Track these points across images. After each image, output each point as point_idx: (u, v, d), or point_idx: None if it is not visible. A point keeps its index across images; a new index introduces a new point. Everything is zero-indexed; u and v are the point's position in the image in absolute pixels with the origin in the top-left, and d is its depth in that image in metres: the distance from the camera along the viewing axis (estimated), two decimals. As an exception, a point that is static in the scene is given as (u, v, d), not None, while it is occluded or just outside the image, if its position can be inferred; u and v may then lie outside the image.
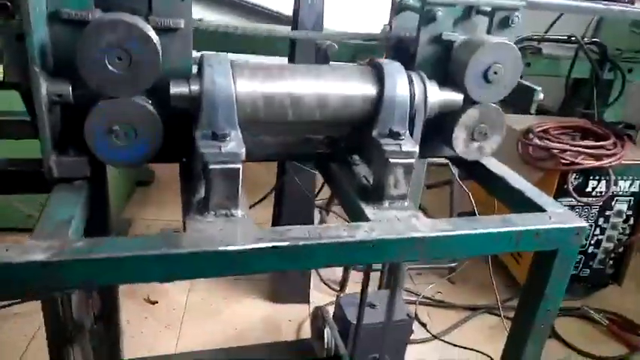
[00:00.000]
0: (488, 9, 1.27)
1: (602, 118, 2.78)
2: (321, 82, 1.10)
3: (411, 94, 1.11)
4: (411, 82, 1.12)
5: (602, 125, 2.53)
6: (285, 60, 2.34)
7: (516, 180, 1.25)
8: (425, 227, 1.01)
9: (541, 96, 1.24)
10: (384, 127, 1.09)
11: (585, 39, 2.69)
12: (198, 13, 3.13)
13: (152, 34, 0.99)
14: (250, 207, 2.53)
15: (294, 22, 2.18)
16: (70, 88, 0.99)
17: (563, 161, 2.21)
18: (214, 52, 1.07)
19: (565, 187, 2.26)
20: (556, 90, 3.00)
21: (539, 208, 1.14)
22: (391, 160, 1.03)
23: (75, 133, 1.03)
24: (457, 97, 1.18)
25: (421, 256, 1.00)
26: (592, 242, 2.52)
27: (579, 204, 2.37)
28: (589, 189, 2.34)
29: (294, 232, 0.93)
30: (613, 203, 2.44)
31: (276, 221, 2.37)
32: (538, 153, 2.27)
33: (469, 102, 1.19)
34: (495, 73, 1.15)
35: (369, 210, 1.07)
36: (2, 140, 1.30)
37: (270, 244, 0.91)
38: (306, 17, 1.98)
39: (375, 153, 1.09)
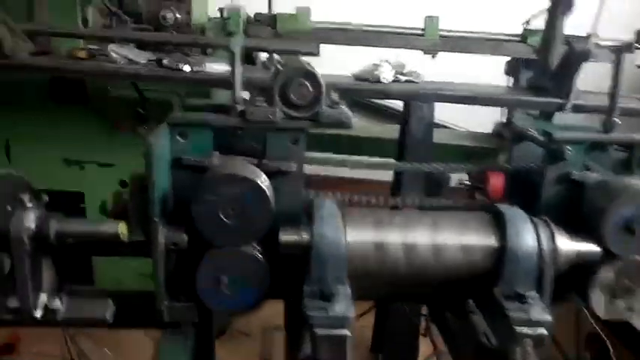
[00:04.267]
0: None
1: None
2: (436, 231, 1.02)
3: (538, 248, 0.99)
4: (537, 232, 1.01)
5: None
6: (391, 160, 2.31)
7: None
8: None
9: None
10: (507, 286, 0.98)
11: None
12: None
13: (264, 184, 0.99)
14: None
15: (402, 128, 2.16)
16: (185, 237, 1.01)
17: None
18: (324, 200, 1.05)
19: None
20: None
21: None
22: (518, 330, 0.91)
23: (186, 278, 1.04)
24: (593, 249, 1.04)
25: None
26: None
27: None
28: None
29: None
30: None
31: (377, 342, 2.23)
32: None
33: (608, 254, 1.04)
34: (641, 223, 1.01)
35: (490, 382, 0.94)
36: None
37: None
38: (415, 127, 1.95)
39: (498, 316, 0.97)
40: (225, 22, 2.75)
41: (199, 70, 2.13)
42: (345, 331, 0.89)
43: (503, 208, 1.05)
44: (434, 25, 2.53)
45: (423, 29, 2.58)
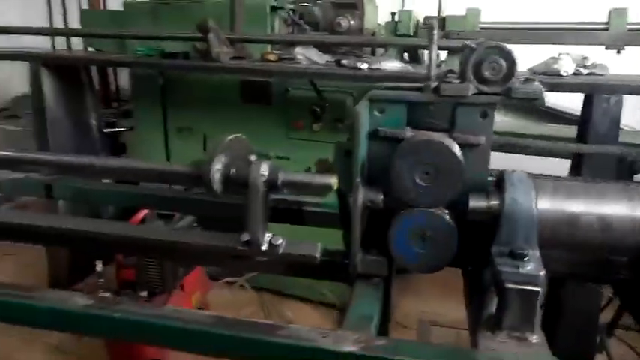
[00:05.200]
0: None
1: None
2: (636, 205, 1.00)
3: None
4: None
5: None
6: (566, 163, 2.22)
7: None
8: None
9: None
10: None
11: None
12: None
13: (457, 151, 1.07)
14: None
15: (582, 124, 2.07)
16: (382, 197, 1.13)
17: None
18: (514, 170, 1.09)
19: None
20: None
21: None
22: None
23: (378, 234, 1.16)
24: None
25: None
26: None
27: None
28: None
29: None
30: None
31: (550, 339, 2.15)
32: None
33: None
34: None
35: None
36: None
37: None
38: (599, 122, 1.86)
39: None
40: (396, 25, 2.89)
41: (376, 67, 2.29)
42: (538, 288, 0.92)
43: None
44: (621, 18, 2.38)
45: (606, 23, 2.44)
